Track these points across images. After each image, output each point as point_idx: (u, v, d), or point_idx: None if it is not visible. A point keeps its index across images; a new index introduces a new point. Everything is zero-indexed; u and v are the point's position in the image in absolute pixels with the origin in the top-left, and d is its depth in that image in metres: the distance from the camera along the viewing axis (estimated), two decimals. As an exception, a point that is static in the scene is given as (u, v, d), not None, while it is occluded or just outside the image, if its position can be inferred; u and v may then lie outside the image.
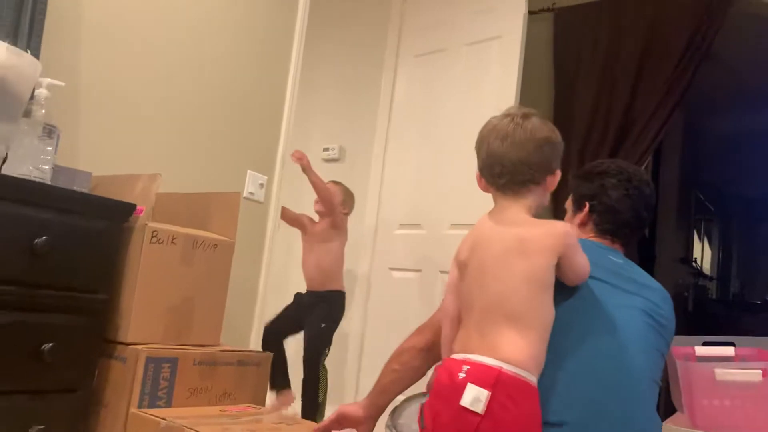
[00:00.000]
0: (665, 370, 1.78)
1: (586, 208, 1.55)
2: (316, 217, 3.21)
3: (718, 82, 4.65)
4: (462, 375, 1.13)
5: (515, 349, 1.15)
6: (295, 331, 3.05)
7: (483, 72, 3.12)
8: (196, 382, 1.78)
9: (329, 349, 2.99)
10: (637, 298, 1.40)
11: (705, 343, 1.81)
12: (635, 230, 1.57)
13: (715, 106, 5.32)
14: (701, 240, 6.32)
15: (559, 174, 1.34)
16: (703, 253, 6.31)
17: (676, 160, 5.28)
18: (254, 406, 1.88)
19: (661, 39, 3.29)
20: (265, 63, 2.66)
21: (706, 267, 6.46)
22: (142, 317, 1.73)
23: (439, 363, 1.31)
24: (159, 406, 1.68)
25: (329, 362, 3.04)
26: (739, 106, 5.25)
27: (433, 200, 3.19)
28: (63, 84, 1.77)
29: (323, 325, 2.98)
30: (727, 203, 6.57)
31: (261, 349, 2.22)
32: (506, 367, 1.13)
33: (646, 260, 4.27)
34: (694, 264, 5.91)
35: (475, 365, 1.14)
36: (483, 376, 1.13)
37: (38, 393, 1.51)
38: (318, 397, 2.91)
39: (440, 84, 3.29)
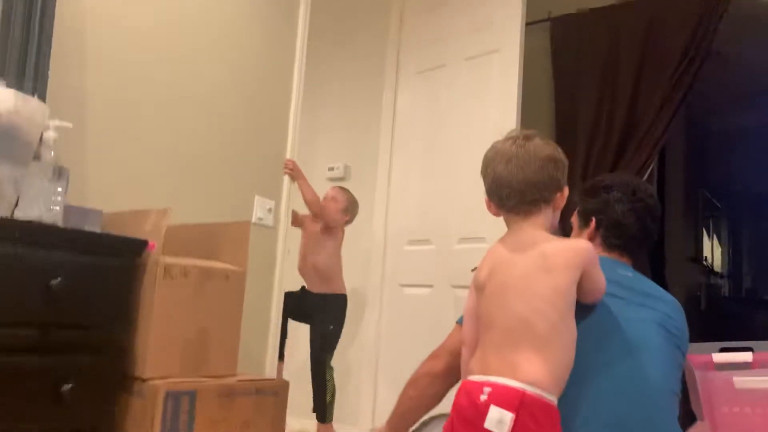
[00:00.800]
0: (683, 379, 1.78)
1: (593, 224, 1.56)
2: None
3: (720, 80, 4.65)
4: (484, 397, 1.13)
5: (537, 370, 1.15)
6: (296, 316, 3.16)
7: (484, 85, 3.13)
8: (215, 414, 1.78)
9: (333, 352, 3.13)
10: (650, 311, 1.40)
11: (722, 349, 1.80)
12: (642, 242, 1.58)
13: (717, 104, 5.32)
14: (710, 238, 6.30)
15: (566, 191, 1.35)
16: (713, 252, 6.29)
17: (681, 160, 5.28)
18: (274, 434, 1.88)
19: (660, 42, 3.30)
20: (266, 88, 2.69)
21: (717, 265, 6.44)
22: (159, 352, 1.74)
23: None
24: (180, 440, 1.69)
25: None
26: (742, 103, 5.25)
27: (441, 215, 3.19)
28: (70, 125, 1.80)
29: (331, 328, 3.10)
30: (735, 200, 6.55)
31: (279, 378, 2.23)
32: (529, 389, 1.13)
33: (657, 262, 4.26)
34: (704, 263, 5.88)
35: (497, 387, 1.14)
36: (506, 398, 1.13)
37: (59, 434, 1.52)
38: (326, 398, 3.03)
39: (442, 99, 3.31)
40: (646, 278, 1.52)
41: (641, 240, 1.56)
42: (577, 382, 1.24)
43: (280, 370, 3.00)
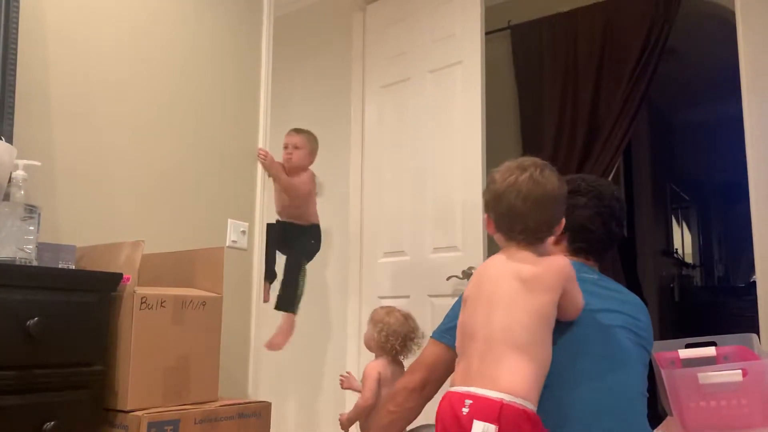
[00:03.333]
0: (651, 377, 1.84)
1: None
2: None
3: (679, 77, 4.78)
4: (465, 410, 1.16)
5: (516, 379, 1.19)
6: (278, 246, 3.27)
7: (449, 97, 3.19)
8: (199, 441, 1.80)
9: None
10: (617, 315, 1.45)
11: (687, 345, 1.87)
12: (608, 246, 1.63)
13: (678, 99, 5.46)
14: (681, 230, 6.43)
15: (563, 224, 1.40)
16: (683, 243, 6.41)
17: (647, 156, 5.39)
18: (259, 456, 1.90)
19: (618, 42, 3.40)
20: (233, 112, 2.71)
21: (689, 256, 6.56)
22: (140, 383, 1.76)
23: None
24: (165, 469, 1.71)
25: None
26: (701, 97, 5.39)
27: (414, 226, 3.24)
28: (39, 164, 1.81)
29: (312, 242, 3.28)
30: (702, 191, 6.70)
31: (260, 400, 2.25)
32: (507, 398, 1.16)
33: (628, 257, 4.34)
34: (676, 255, 6.00)
35: (477, 399, 1.17)
36: (486, 410, 1.16)
37: (45, 473, 1.53)
38: (297, 291, 3.19)
39: (409, 112, 3.36)
40: (612, 280, 1.57)
41: (606, 243, 1.61)
42: (559, 391, 1.29)
43: (267, 290, 3.10)
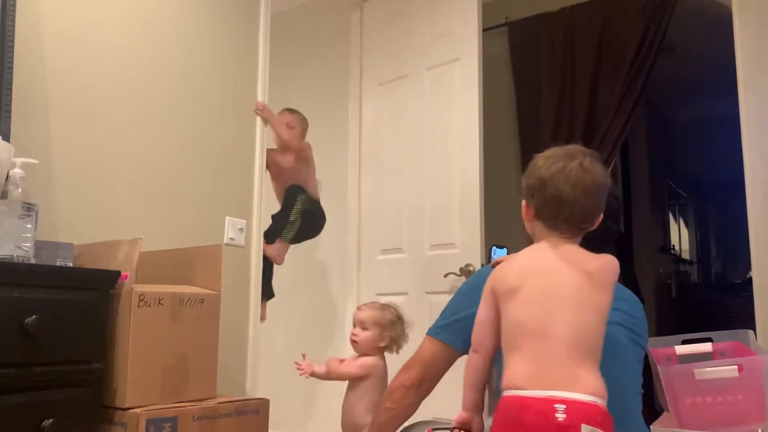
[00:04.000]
0: (648, 373, 1.85)
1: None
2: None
3: (676, 74, 4.79)
4: (561, 416, 1.09)
5: (597, 382, 1.15)
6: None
7: (447, 94, 3.19)
8: (198, 438, 1.81)
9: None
10: (613, 312, 1.45)
11: (684, 341, 1.88)
12: (604, 244, 1.61)
13: (675, 97, 5.46)
14: (678, 227, 6.44)
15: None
16: (680, 240, 6.43)
17: (644, 153, 5.40)
18: (257, 453, 1.91)
19: (615, 39, 3.41)
20: (232, 110, 2.72)
21: (686, 252, 6.58)
22: (138, 380, 1.76)
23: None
24: (164, 466, 1.71)
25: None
26: (699, 94, 5.40)
27: (412, 223, 3.25)
28: (36, 162, 1.81)
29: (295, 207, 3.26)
30: (699, 188, 6.71)
31: (259, 397, 2.25)
32: (599, 402, 1.13)
33: (625, 254, 4.36)
34: (673, 251, 6.01)
35: (572, 403, 1.10)
36: (587, 413, 1.10)
37: (44, 470, 1.54)
38: (290, 217, 3.21)
39: (407, 109, 3.36)
40: None
41: (603, 241, 1.57)
42: None
43: (264, 308, 3.04)
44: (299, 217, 3.23)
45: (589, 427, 1.08)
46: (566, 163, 1.28)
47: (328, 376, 2.16)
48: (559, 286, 1.21)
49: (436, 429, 1.60)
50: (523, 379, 1.15)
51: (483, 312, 1.30)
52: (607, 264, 1.25)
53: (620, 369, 1.37)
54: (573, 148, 1.33)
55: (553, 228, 1.30)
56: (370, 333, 2.12)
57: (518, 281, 1.24)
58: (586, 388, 1.12)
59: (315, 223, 3.32)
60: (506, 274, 1.28)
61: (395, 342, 2.11)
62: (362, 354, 2.14)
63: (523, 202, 1.36)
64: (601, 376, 1.16)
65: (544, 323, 1.18)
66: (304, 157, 3.31)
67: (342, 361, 2.15)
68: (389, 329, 2.11)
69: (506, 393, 1.16)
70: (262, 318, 2.96)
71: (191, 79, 2.55)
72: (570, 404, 1.10)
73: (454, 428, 1.29)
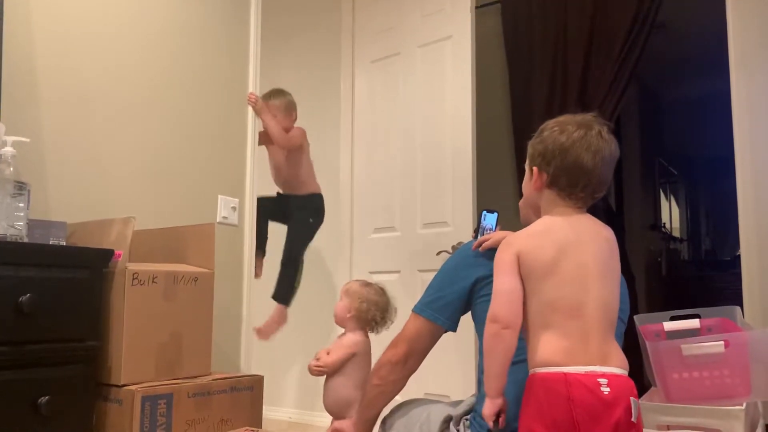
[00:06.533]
0: (638, 349, 1.87)
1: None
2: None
3: (668, 52, 4.78)
4: (606, 389, 1.11)
5: (623, 356, 1.18)
6: (274, 217, 3.21)
7: (439, 72, 3.19)
8: (192, 414, 1.83)
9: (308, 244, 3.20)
10: None
11: (672, 318, 1.90)
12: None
13: (667, 75, 5.46)
14: (669, 205, 6.48)
15: None
16: (671, 217, 6.47)
17: (636, 131, 5.41)
18: (252, 429, 1.93)
19: (607, 16, 3.39)
20: (223, 87, 2.70)
21: (676, 230, 6.62)
22: (133, 358, 1.78)
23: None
24: (159, 442, 1.73)
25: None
26: (690, 73, 5.40)
27: (404, 201, 3.26)
28: (28, 140, 1.81)
29: (311, 220, 3.16)
30: (690, 166, 6.74)
31: (253, 373, 2.26)
32: (627, 374, 1.17)
33: (616, 231, 4.38)
34: (663, 229, 6.05)
35: (612, 377, 1.13)
36: (627, 387, 1.14)
37: (40, 446, 1.56)
38: (294, 285, 3.11)
39: (399, 87, 3.36)
40: None
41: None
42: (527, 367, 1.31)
43: (260, 265, 3.06)
44: (300, 280, 3.16)
45: (635, 399, 1.13)
46: (587, 131, 1.28)
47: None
48: (590, 263, 1.21)
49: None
50: (563, 356, 1.14)
51: (508, 283, 1.23)
52: (611, 231, 1.29)
53: None
54: (588, 117, 1.32)
55: (569, 197, 1.28)
56: (341, 303, 2.15)
57: (556, 258, 1.21)
58: (618, 362, 1.15)
59: (315, 229, 3.27)
60: (540, 246, 1.23)
61: (363, 316, 2.10)
62: (340, 323, 2.16)
63: (534, 170, 1.32)
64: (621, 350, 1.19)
65: (579, 301, 1.18)
66: (297, 147, 3.25)
67: (329, 352, 2.16)
68: (357, 302, 2.11)
69: (544, 370, 1.15)
70: (257, 275, 2.97)
71: (183, 57, 2.54)
72: (611, 378, 1.12)
73: (495, 418, 1.23)
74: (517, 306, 1.22)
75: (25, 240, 1.72)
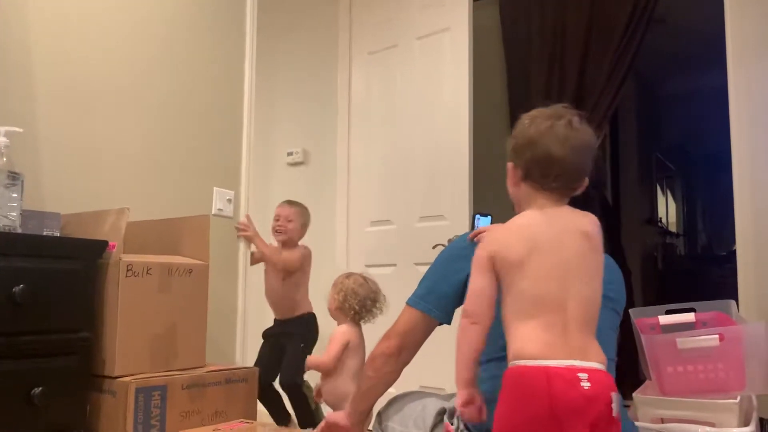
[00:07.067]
0: (633, 342, 1.87)
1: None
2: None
3: (666, 46, 4.77)
4: (586, 384, 1.09)
5: (601, 352, 1.17)
6: (280, 363, 2.85)
7: (437, 64, 3.17)
8: (187, 406, 1.83)
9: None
10: None
11: (668, 311, 1.90)
12: (583, 208, 1.60)
13: (665, 69, 5.45)
14: (665, 199, 6.48)
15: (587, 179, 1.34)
16: (668, 212, 6.47)
17: (633, 125, 5.41)
18: (246, 421, 1.93)
19: (606, 10, 3.38)
20: (219, 78, 2.69)
21: (673, 225, 6.63)
22: (127, 349, 1.77)
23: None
24: (153, 434, 1.73)
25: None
26: (688, 67, 5.39)
27: (401, 195, 3.25)
28: (21, 130, 1.79)
29: (302, 345, 2.82)
30: (687, 160, 6.74)
31: (247, 366, 2.25)
32: (605, 369, 1.15)
33: (612, 226, 4.38)
34: (660, 223, 6.06)
35: (592, 372, 1.12)
36: (608, 382, 1.13)
37: (34, 437, 1.55)
38: (311, 408, 2.78)
39: (396, 79, 3.34)
40: None
41: (581, 206, 1.59)
42: None
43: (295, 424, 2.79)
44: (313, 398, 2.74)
45: (616, 394, 1.12)
46: (554, 122, 1.27)
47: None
48: (570, 257, 1.20)
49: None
50: (542, 348, 1.13)
51: (480, 282, 1.24)
52: (594, 221, 1.26)
53: None
54: (559, 107, 1.31)
55: (543, 188, 1.27)
56: (329, 295, 2.28)
57: (527, 252, 1.20)
58: (597, 357, 1.14)
59: (312, 343, 2.90)
60: (511, 244, 1.23)
61: (341, 306, 2.20)
62: (332, 316, 2.26)
63: (509, 165, 1.33)
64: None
65: (558, 295, 1.17)
66: (296, 269, 2.88)
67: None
68: (336, 293, 2.23)
69: (523, 362, 1.14)
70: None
71: (178, 49, 2.52)
72: (591, 373, 1.11)
73: (464, 407, 1.23)
74: (485, 304, 1.23)
75: (19, 231, 1.71)
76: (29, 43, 2.04)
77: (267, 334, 2.91)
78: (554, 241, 1.21)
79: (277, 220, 2.87)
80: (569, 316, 1.16)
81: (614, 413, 1.11)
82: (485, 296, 1.23)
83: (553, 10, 3.51)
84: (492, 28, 3.73)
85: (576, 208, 1.29)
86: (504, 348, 1.24)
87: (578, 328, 1.16)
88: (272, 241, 2.94)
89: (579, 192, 1.32)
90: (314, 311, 2.88)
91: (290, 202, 2.93)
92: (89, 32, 2.21)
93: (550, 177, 1.26)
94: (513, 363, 1.16)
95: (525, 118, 1.32)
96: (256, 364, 2.75)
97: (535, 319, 1.16)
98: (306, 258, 2.89)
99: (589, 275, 1.20)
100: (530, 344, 1.15)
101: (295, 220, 2.87)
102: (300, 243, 2.94)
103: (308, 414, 2.75)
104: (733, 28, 2.54)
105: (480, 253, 1.26)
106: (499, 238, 1.26)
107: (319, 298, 3.41)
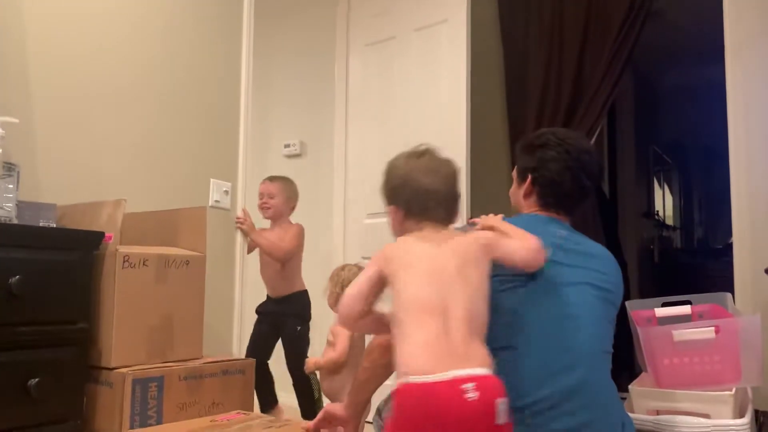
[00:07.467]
0: (627, 334, 1.88)
1: (529, 180, 1.59)
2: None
3: (664, 40, 4.77)
4: (473, 394, 1.10)
5: (486, 354, 1.19)
6: (274, 342, 2.95)
7: (434, 56, 3.17)
8: (184, 397, 1.83)
9: (308, 347, 2.92)
10: (583, 271, 1.45)
11: (664, 304, 1.91)
12: (578, 200, 1.59)
13: (663, 63, 5.45)
14: (662, 193, 6.49)
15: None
16: (664, 205, 6.48)
17: (631, 118, 5.41)
18: (243, 412, 1.93)
19: (604, 2, 3.37)
20: (215, 69, 2.68)
21: (669, 218, 6.64)
22: (124, 341, 1.77)
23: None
24: (150, 425, 1.73)
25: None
26: (686, 61, 5.39)
27: (398, 187, 3.24)
28: (17, 121, 1.79)
29: (299, 328, 2.89)
30: (684, 154, 6.74)
31: (244, 357, 2.27)
32: (492, 372, 1.16)
33: (609, 219, 4.39)
34: (657, 217, 6.07)
35: (477, 379, 1.12)
36: (494, 387, 1.14)
37: (29, 428, 1.55)
38: (314, 395, 2.81)
39: (394, 71, 3.34)
40: (581, 235, 1.56)
41: (576, 198, 1.58)
42: (519, 352, 1.32)
43: (279, 411, 2.87)
44: (320, 390, 2.75)
45: (502, 399, 1.12)
46: (418, 159, 1.38)
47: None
48: (450, 269, 1.25)
49: None
50: (427, 362, 1.14)
51: (362, 290, 1.31)
52: (477, 241, 1.31)
53: (585, 330, 1.38)
54: (419, 146, 1.41)
55: (425, 218, 1.34)
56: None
57: (411, 263, 1.27)
58: (481, 362, 1.16)
59: (306, 324, 2.97)
60: (398, 256, 1.29)
61: (336, 298, 2.23)
62: (333, 309, 2.29)
63: (390, 209, 1.41)
64: (485, 348, 1.20)
65: (442, 301, 1.21)
66: (291, 239, 2.92)
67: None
68: (331, 285, 2.33)
69: (408, 380, 1.14)
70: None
71: (175, 40, 2.51)
72: (477, 380, 1.12)
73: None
74: (353, 307, 1.31)
75: (15, 221, 1.71)
76: (25, 32, 2.03)
77: (261, 312, 3.00)
78: (430, 255, 1.27)
79: (261, 198, 2.96)
80: (451, 319, 1.19)
81: (498, 421, 1.11)
82: (362, 302, 1.31)
83: (551, 3, 3.50)
84: (490, 20, 3.72)
85: (460, 233, 1.36)
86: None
87: (461, 332, 1.18)
88: (264, 224, 2.98)
89: (456, 220, 1.39)
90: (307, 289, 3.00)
91: (271, 178, 3.01)
92: (86, 22, 2.20)
93: (429, 209, 1.34)
94: (400, 380, 1.17)
95: (389, 164, 1.43)
96: (250, 343, 2.85)
97: (419, 328, 1.19)
98: (300, 237, 2.96)
99: (471, 286, 1.25)
100: (414, 359, 1.16)
101: (278, 194, 2.95)
102: (291, 220, 3.00)
103: (311, 403, 2.79)
104: (730, 22, 2.53)
105: (366, 268, 1.34)
106: (388, 252, 1.32)
107: (316, 290, 3.42)
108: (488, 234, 1.36)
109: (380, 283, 1.31)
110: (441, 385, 1.11)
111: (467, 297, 1.23)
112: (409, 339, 1.19)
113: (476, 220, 1.49)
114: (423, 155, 1.38)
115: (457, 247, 1.29)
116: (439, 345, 1.16)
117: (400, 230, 1.39)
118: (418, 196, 1.35)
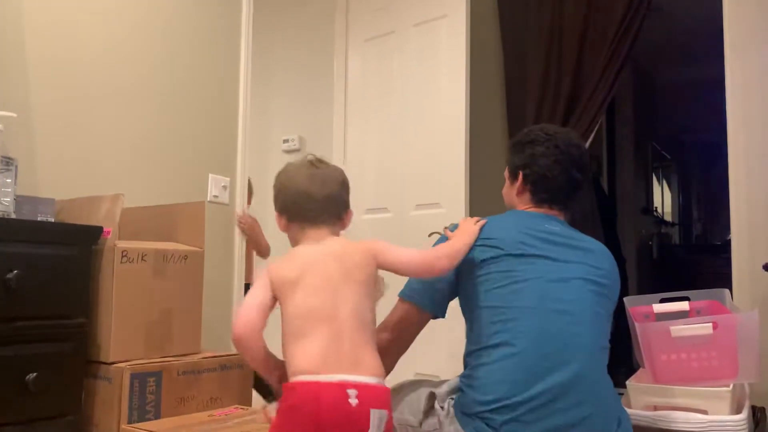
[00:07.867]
0: (625, 330, 1.88)
1: (521, 178, 1.60)
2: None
3: (663, 36, 4.77)
4: (354, 401, 1.13)
5: (378, 363, 1.22)
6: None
7: (433, 51, 3.16)
8: (182, 392, 1.83)
9: None
10: (577, 266, 1.46)
11: (662, 300, 1.91)
12: (571, 193, 1.60)
13: (662, 59, 5.45)
14: (661, 189, 6.49)
15: (352, 213, 1.46)
16: (663, 202, 6.49)
17: (630, 115, 5.41)
18: (241, 407, 1.94)
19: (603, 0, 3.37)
20: (213, 64, 2.67)
21: (668, 214, 6.65)
22: (122, 335, 1.77)
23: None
24: (148, 419, 1.73)
25: None
26: (685, 57, 5.39)
27: (397, 183, 3.24)
28: (15, 115, 1.78)
29: None
30: (683, 150, 6.75)
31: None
32: (382, 382, 1.20)
33: (608, 216, 4.39)
34: (655, 213, 6.07)
35: (362, 387, 1.16)
36: (376, 397, 1.17)
37: (28, 423, 1.55)
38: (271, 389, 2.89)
39: (393, 66, 3.33)
40: (575, 230, 1.57)
41: (568, 191, 1.59)
42: (514, 348, 1.32)
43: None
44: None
45: (377, 410, 1.14)
46: (298, 167, 1.41)
47: None
48: (335, 275, 1.27)
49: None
50: (314, 364, 1.18)
51: (261, 299, 1.30)
52: (358, 248, 1.33)
53: (580, 326, 1.39)
54: (305, 156, 1.45)
55: (306, 221, 1.37)
56: None
57: (299, 273, 1.28)
58: (370, 370, 1.19)
59: None
60: (287, 267, 1.31)
61: None
62: None
63: (276, 215, 1.44)
64: (377, 355, 1.22)
65: (332, 309, 1.24)
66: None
67: None
68: None
69: (296, 379, 1.18)
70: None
71: (174, 35, 2.50)
72: (360, 388, 1.15)
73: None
74: (250, 318, 1.29)
75: (13, 216, 1.71)
76: (25, 27, 2.02)
77: None
78: (322, 263, 1.30)
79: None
80: (342, 326, 1.22)
81: (376, 430, 1.13)
82: (261, 310, 1.29)
83: (551, -1, 3.50)
84: (489, 15, 3.71)
85: (348, 240, 1.39)
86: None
87: (351, 339, 1.21)
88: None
89: (347, 221, 1.43)
90: None
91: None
92: (85, 18, 2.20)
93: (309, 210, 1.37)
94: (291, 378, 1.20)
95: (277, 177, 1.45)
96: None
97: (310, 333, 1.22)
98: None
99: (358, 292, 1.27)
100: (304, 360, 1.20)
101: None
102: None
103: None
104: (730, 18, 2.53)
105: (262, 275, 1.35)
106: (277, 265, 1.34)
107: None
108: (379, 243, 1.38)
109: (272, 303, 1.32)
110: (328, 385, 1.15)
111: (355, 303, 1.25)
112: (302, 341, 1.22)
113: (476, 218, 1.51)
114: (305, 163, 1.42)
115: (341, 253, 1.31)
116: (329, 350, 1.19)
117: (288, 234, 1.43)
118: (295, 200, 1.38)
